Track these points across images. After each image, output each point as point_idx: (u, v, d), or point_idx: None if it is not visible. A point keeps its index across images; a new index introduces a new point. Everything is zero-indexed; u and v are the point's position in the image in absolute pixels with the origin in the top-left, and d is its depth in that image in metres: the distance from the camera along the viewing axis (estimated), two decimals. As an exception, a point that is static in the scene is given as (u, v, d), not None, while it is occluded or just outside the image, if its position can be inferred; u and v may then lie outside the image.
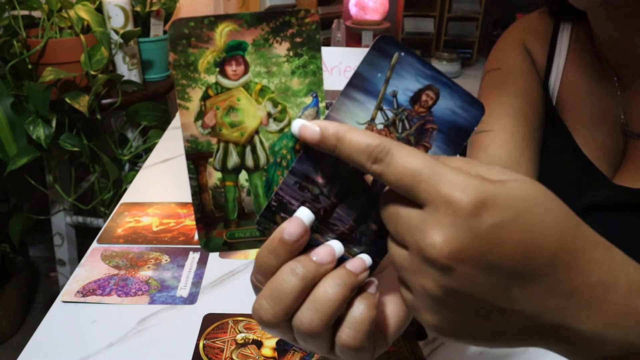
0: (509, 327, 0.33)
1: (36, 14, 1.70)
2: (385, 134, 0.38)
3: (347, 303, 0.37)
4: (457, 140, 0.38)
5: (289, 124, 0.40)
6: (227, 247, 0.42)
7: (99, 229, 0.94)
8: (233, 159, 0.40)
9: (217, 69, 0.38)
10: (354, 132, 0.34)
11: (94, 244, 0.88)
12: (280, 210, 0.38)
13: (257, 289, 0.39)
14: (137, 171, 1.23)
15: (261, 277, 0.38)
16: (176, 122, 1.45)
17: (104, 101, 1.70)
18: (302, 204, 0.38)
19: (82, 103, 1.50)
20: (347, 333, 0.37)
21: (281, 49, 0.38)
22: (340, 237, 0.39)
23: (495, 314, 0.32)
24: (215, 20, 0.37)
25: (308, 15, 0.38)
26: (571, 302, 0.32)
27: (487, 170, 0.33)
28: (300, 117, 0.40)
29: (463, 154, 0.39)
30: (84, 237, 2.04)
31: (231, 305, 0.74)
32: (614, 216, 0.64)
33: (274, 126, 0.40)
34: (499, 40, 0.84)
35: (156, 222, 0.95)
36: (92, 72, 1.59)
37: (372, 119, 0.38)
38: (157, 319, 0.72)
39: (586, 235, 0.33)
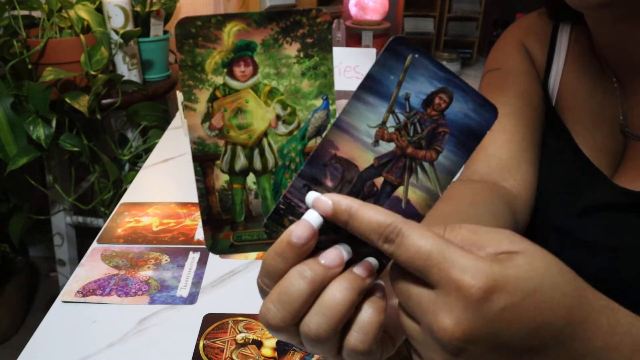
0: None
1: (36, 14, 1.70)
2: (397, 138, 0.38)
3: (355, 307, 0.36)
4: (468, 144, 0.38)
5: (298, 126, 0.39)
6: (234, 249, 0.41)
7: (99, 229, 0.94)
8: (241, 162, 0.40)
9: (225, 70, 0.38)
10: (366, 209, 0.35)
11: (94, 244, 0.88)
12: (289, 213, 0.38)
13: (263, 292, 0.39)
14: (137, 171, 1.23)
15: (268, 280, 0.37)
16: (176, 122, 1.45)
17: (104, 101, 1.70)
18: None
19: (82, 103, 1.50)
20: (355, 337, 0.36)
21: (291, 49, 0.38)
22: (348, 240, 0.38)
23: None
24: (223, 19, 0.37)
25: (320, 14, 0.37)
26: None
27: (495, 240, 0.34)
28: (310, 119, 0.39)
29: (471, 153, 0.39)
30: (84, 237, 2.03)
31: (231, 305, 0.74)
32: (613, 217, 0.64)
33: (282, 129, 0.39)
34: (499, 40, 0.84)
35: (156, 222, 0.94)
36: (92, 72, 1.59)
37: (384, 122, 0.37)
38: (157, 319, 0.72)
39: (592, 303, 0.34)
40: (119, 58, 1.76)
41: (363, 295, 0.37)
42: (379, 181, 0.38)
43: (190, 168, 0.42)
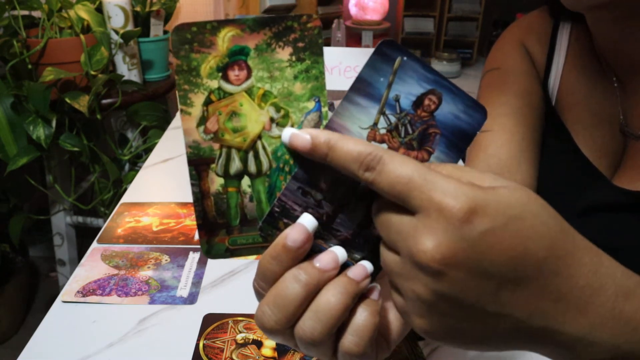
0: (498, 330, 0.34)
1: (36, 14, 1.70)
2: (388, 139, 0.38)
3: (349, 311, 0.37)
4: (459, 144, 0.38)
5: None
6: (230, 253, 0.42)
7: (99, 229, 0.94)
8: (235, 165, 0.40)
9: (220, 74, 0.38)
10: (346, 140, 0.35)
11: (94, 244, 0.88)
12: (283, 216, 0.38)
13: (259, 295, 0.39)
14: (137, 171, 1.23)
15: (264, 283, 0.38)
16: (176, 122, 1.45)
17: (104, 101, 1.70)
18: (305, 209, 0.38)
19: (82, 103, 1.50)
20: (350, 340, 0.37)
21: (284, 53, 0.38)
22: (343, 243, 0.39)
23: (485, 317, 0.33)
24: (217, 25, 0.37)
25: (310, 20, 0.38)
26: (559, 305, 0.33)
27: (479, 177, 0.34)
28: (302, 121, 0.40)
29: (462, 155, 0.39)
30: (84, 237, 2.04)
31: (231, 305, 0.74)
32: (613, 217, 0.64)
33: (276, 131, 0.40)
34: (499, 40, 0.84)
35: (156, 222, 0.95)
36: (92, 72, 1.59)
37: (375, 124, 0.38)
38: (157, 319, 0.72)
39: (575, 240, 0.33)
40: (119, 58, 1.77)
41: (357, 299, 0.37)
42: None
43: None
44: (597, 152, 0.69)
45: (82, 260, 0.83)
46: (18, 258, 2.11)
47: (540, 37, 0.77)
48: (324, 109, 0.40)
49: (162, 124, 1.76)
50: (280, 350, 0.67)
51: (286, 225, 0.38)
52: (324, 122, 0.40)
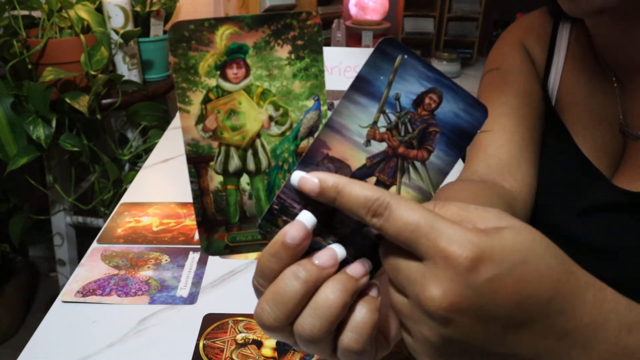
0: None
1: (36, 14, 1.70)
2: (388, 137, 0.38)
3: (348, 308, 0.37)
4: (459, 143, 0.38)
5: (290, 127, 0.40)
6: (229, 250, 0.42)
7: (99, 229, 0.94)
8: (234, 163, 0.40)
9: (218, 72, 0.38)
10: (353, 185, 0.35)
11: (94, 244, 0.88)
12: (282, 214, 0.38)
13: (258, 292, 0.39)
14: (137, 171, 1.23)
15: (263, 280, 0.38)
16: (176, 122, 1.45)
17: (104, 101, 1.70)
18: (304, 207, 0.38)
19: (82, 103, 1.50)
20: (349, 337, 0.37)
21: (282, 51, 0.38)
22: (342, 240, 0.39)
23: (492, 357, 0.34)
24: (215, 23, 0.37)
25: (310, 17, 0.38)
26: (563, 343, 0.34)
27: (483, 217, 0.35)
28: (301, 120, 0.40)
29: (462, 155, 0.39)
30: (84, 237, 2.04)
31: (231, 305, 0.74)
32: (613, 217, 0.64)
33: (275, 129, 0.40)
34: (498, 40, 0.84)
35: (156, 222, 0.95)
36: (92, 72, 1.59)
37: (375, 122, 0.38)
38: (157, 319, 0.72)
39: (578, 278, 0.34)
40: (119, 58, 1.77)
41: (356, 296, 0.37)
42: (371, 181, 0.39)
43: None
44: (597, 152, 0.69)
45: (82, 260, 0.83)
46: (18, 258, 2.11)
47: (540, 37, 0.77)
48: (323, 108, 0.40)
49: (162, 124, 1.76)
50: (280, 350, 0.67)
51: (285, 223, 0.38)
52: (323, 121, 0.40)
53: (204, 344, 0.68)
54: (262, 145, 0.40)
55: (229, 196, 0.40)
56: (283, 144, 0.40)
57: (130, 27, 1.73)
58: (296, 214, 0.38)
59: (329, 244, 0.38)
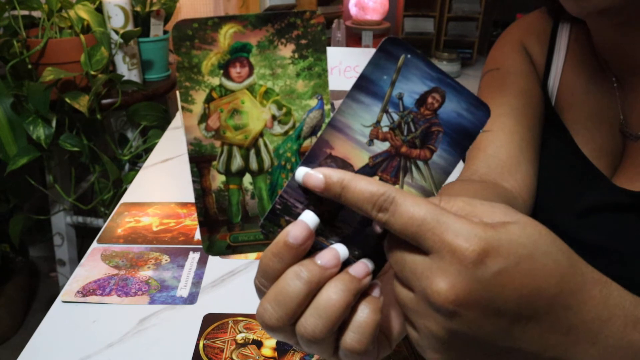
0: None
1: (36, 14, 1.70)
2: (391, 137, 0.38)
3: (350, 308, 0.37)
4: (462, 142, 0.38)
5: (293, 126, 0.40)
6: (231, 250, 0.41)
7: (99, 229, 0.94)
8: (237, 162, 0.40)
9: (221, 71, 0.38)
10: (358, 180, 0.35)
11: (94, 244, 0.88)
12: (285, 214, 0.38)
13: (260, 292, 0.39)
14: (137, 171, 1.23)
15: (265, 280, 0.38)
16: (176, 122, 1.45)
17: (104, 101, 1.70)
18: (307, 207, 0.38)
19: (82, 103, 1.50)
20: (351, 337, 0.37)
21: (286, 50, 0.38)
22: (344, 240, 0.38)
23: (498, 352, 0.34)
24: (219, 21, 0.37)
25: (314, 16, 0.38)
26: (569, 338, 0.34)
27: (490, 212, 0.35)
28: (305, 119, 0.39)
29: (465, 152, 0.39)
30: (84, 237, 2.04)
31: (231, 305, 0.74)
32: (613, 217, 0.64)
33: (278, 129, 0.39)
34: (498, 40, 0.84)
35: (156, 222, 0.95)
36: (92, 72, 1.59)
37: (378, 122, 0.38)
38: (157, 319, 0.72)
39: (584, 274, 0.34)
40: (119, 58, 1.77)
41: (359, 296, 0.37)
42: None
43: (189, 168, 0.43)
44: (597, 152, 0.69)
45: (82, 260, 0.83)
46: (18, 258, 2.11)
47: (539, 37, 0.77)
48: (327, 107, 0.40)
49: (162, 124, 1.76)
50: (280, 350, 0.67)
51: (288, 223, 0.38)
52: (327, 121, 0.40)
53: (204, 344, 0.68)
54: (265, 145, 0.40)
55: (231, 196, 0.40)
56: (286, 144, 0.40)
57: (130, 27, 1.73)
58: (299, 214, 0.37)
59: (332, 243, 0.38)
